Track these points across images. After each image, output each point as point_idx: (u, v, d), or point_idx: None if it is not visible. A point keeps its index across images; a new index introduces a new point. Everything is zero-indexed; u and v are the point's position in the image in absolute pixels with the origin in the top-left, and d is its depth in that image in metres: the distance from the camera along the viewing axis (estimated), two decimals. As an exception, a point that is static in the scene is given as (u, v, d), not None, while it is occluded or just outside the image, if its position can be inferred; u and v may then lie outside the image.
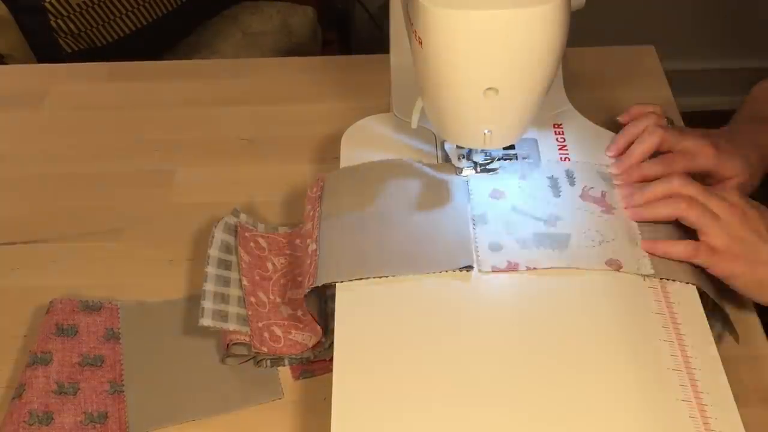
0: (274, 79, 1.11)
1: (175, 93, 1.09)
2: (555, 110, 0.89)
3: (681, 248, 0.72)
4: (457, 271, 0.72)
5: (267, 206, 0.91)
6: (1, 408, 0.73)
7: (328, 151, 0.94)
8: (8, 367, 0.77)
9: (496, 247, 0.73)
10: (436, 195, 0.79)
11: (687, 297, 0.70)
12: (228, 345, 0.74)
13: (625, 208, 0.77)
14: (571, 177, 0.80)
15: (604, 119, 0.89)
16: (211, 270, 0.79)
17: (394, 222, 0.76)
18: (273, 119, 1.04)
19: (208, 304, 0.75)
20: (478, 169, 0.81)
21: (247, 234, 0.82)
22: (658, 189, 0.76)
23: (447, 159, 0.83)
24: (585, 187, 0.79)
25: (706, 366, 0.65)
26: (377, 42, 1.07)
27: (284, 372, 0.75)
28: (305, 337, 0.74)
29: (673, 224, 0.75)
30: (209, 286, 0.77)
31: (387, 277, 0.72)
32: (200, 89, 1.09)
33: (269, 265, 0.81)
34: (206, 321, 0.74)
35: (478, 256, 0.73)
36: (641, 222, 0.75)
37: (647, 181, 0.78)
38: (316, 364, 0.75)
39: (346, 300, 0.71)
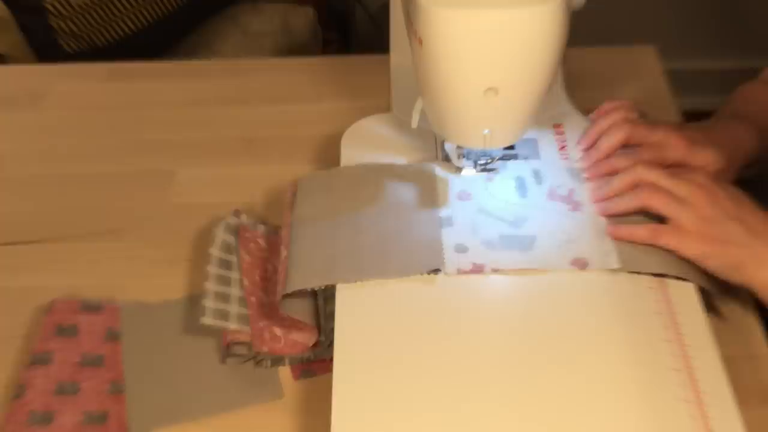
0: (274, 79, 1.11)
1: (174, 93, 1.09)
2: (555, 110, 0.89)
3: (644, 231, 0.72)
4: (426, 275, 0.72)
5: (267, 206, 0.91)
6: (1, 408, 0.73)
7: (328, 151, 0.94)
8: (8, 367, 0.77)
9: (461, 249, 0.73)
10: (406, 198, 0.79)
11: (687, 297, 0.70)
12: (228, 345, 0.74)
13: (593, 203, 0.77)
14: (538, 176, 0.80)
15: (604, 119, 0.89)
16: (212, 269, 0.79)
17: (363, 226, 0.76)
18: (273, 119, 1.04)
19: (209, 303, 0.75)
20: (478, 169, 0.81)
21: (247, 235, 0.82)
22: (621, 181, 0.75)
23: (447, 159, 0.83)
24: (552, 186, 0.79)
25: (706, 366, 0.65)
26: (377, 42, 1.07)
27: (284, 372, 0.75)
28: (305, 337, 0.74)
29: (643, 215, 0.74)
30: (210, 286, 0.77)
31: (356, 282, 0.72)
32: (200, 89, 1.09)
33: (269, 266, 0.81)
34: (208, 320, 0.74)
35: (443, 258, 0.73)
36: (611, 216, 0.75)
37: (615, 173, 0.77)
38: (316, 364, 0.75)
39: (346, 300, 0.71)
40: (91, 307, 0.80)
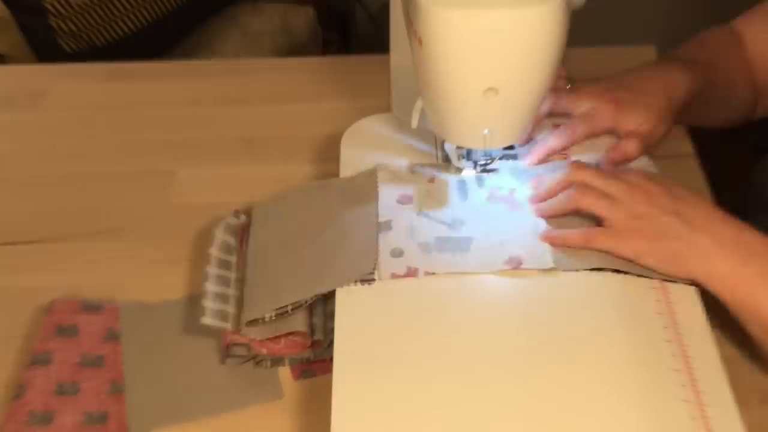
0: (274, 79, 1.11)
1: (174, 93, 1.09)
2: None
3: (577, 236, 0.72)
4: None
5: (267, 206, 0.91)
6: (1, 408, 0.73)
7: (328, 151, 0.94)
8: (8, 367, 0.77)
9: (398, 253, 0.73)
10: (348, 209, 0.79)
11: (687, 297, 0.70)
12: (228, 345, 0.73)
13: (530, 205, 0.77)
14: (480, 178, 0.81)
15: (604, 119, 0.89)
16: (212, 270, 0.79)
17: (307, 245, 0.77)
18: (273, 119, 1.04)
19: (209, 304, 0.75)
20: (478, 169, 0.81)
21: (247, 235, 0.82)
22: (555, 182, 0.75)
23: (447, 159, 0.83)
24: (493, 187, 0.79)
25: (706, 366, 0.65)
26: (377, 42, 1.07)
27: (284, 372, 0.75)
28: (304, 336, 0.74)
29: (579, 216, 0.74)
30: (210, 286, 0.77)
31: (303, 302, 0.72)
32: (200, 89, 1.09)
33: (269, 266, 0.81)
34: (207, 320, 0.74)
35: (376, 263, 0.72)
36: (547, 218, 0.75)
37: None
38: (316, 364, 0.75)
39: (346, 300, 0.71)
40: (91, 307, 0.80)
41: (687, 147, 0.93)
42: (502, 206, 0.77)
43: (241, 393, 0.73)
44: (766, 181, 0.96)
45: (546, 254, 0.72)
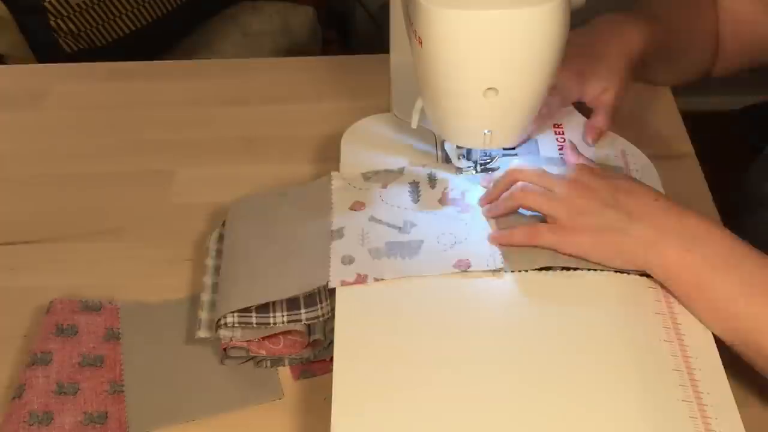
0: (274, 79, 1.11)
1: (175, 93, 1.09)
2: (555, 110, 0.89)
3: (520, 234, 0.72)
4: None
5: (267, 206, 0.91)
6: (1, 408, 0.73)
7: (328, 151, 0.94)
8: (8, 367, 0.77)
9: (348, 260, 0.73)
10: (303, 219, 0.80)
11: (687, 297, 0.70)
12: (225, 349, 0.73)
13: (480, 206, 0.77)
14: (432, 180, 0.81)
15: (604, 119, 0.89)
16: (207, 280, 0.79)
17: (265, 252, 0.77)
18: (273, 119, 1.04)
19: (204, 315, 0.76)
20: (479, 169, 0.81)
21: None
22: (498, 183, 0.76)
23: (447, 159, 0.83)
24: (445, 189, 0.79)
25: (706, 366, 0.65)
26: (377, 42, 1.07)
27: (284, 372, 0.75)
28: (303, 335, 0.74)
29: (530, 214, 0.74)
30: (206, 296, 0.77)
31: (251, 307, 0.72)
32: (200, 89, 1.09)
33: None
34: (203, 333, 0.74)
35: (330, 271, 0.72)
36: (495, 218, 0.75)
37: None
38: (316, 364, 0.75)
39: (346, 300, 0.71)
40: (91, 307, 0.80)
41: (687, 147, 0.93)
42: (453, 209, 0.77)
43: (241, 393, 0.73)
44: (760, 180, 0.96)
45: (495, 255, 0.72)
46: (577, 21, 0.75)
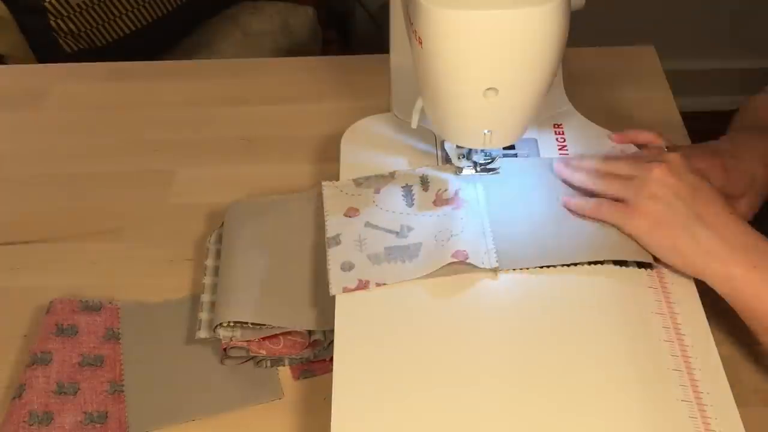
0: (274, 79, 1.11)
1: (175, 93, 1.09)
2: (555, 110, 0.89)
3: (589, 204, 0.73)
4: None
5: (267, 206, 0.91)
6: (1, 408, 0.73)
7: (328, 151, 0.94)
8: (8, 367, 0.77)
9: (348, 267, 0.73)
10: (298, 228, 0.81)
11: (687, 297, 0.70)
12: (225, 349, 0.73)
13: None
14: (425, 183, 0.80)
15: (604, 119, 0.89)
16: (206, 280, 0.79)
17: (257, 264, 0.77)
18: (273, 119, 1.04)
19: (204, 316, 0.76)
20: (478, 169, 0.81)
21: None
22: (582, 163, 0.77)
23: (447, 159, 0.83)
24: (439, 190, 0.79)
25: (706, 366, 0.65)
26: (377, 42, 1.07)
27: (284, 372, 0.75)
28: (303, 335, 0.74)
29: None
30: (206, 297, 0.77)
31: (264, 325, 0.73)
32: (200, 89, 1.09)
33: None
34: (203, 333, 0.74)
35: (330, 278, 0.72)
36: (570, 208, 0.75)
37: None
38: (316, 364, 0.75)
39: (346, 300, 0.71)
40: (91, 307, 0.80)
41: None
42: (448, 208, 0.77)
43: (241, 393, 0.73)
44: None
45: (491, 253, 0.72)
46: (578, 21, 0.75)
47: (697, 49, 2.12)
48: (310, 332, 0.74)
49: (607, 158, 0.77)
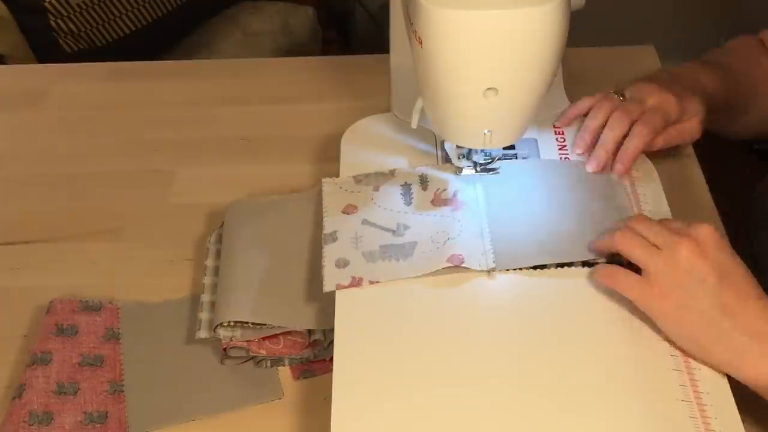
0: (274, 79, 1.11)
1: (175, 93, 1.09)
2: (555, 110, 0.89)
3: (601, 270, 0.69)
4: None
5: (267, 206, 0.91)
6: (1, 408, 0.73)
7: (328, 151, 0.94)
8: (8, 367, 0.77)
9: (342, 264, 0.73)
10: (297, 227, 0.81)
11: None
12: (225, 349, 0.73)
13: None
14: (424, 182, 0.80)
15: (604, 119, 0.89)
16: (207, 280, 0.79)
17: (257, 264, 0.78)
18: (273, 119, 1.04)
19: (204, 316, 0.76)
20: (478, 169, 0.81)
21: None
22: (614, 229, 0.70)
23: (447, 159, 0.83)
24: (437, 190, 0.79)
25: (706, 366, 0.65)
26: (377, 42, 1.07)
27: (284, 372, 0.75)
28: (303, 335, 0.74)
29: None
30: (206, 297, 0.77)
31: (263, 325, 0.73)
32: (200, 89, 1.09)
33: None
34: (203, 333, 0.74)
35: (324, 274, 0.72)
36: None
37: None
38: (316, 364, 0.75)
39: (346, 300, 0.71)
40: (91, 307, 0.80)
41: (687, 147, 0.93)
42: (446, 209, 0.77)
43: (241, 393, 0.73)
44: None
45: (488, 255, 0.72)
46: (578, 21, 0.75)
47: (697, 49, 2.11)
48: (310, 332, 0.74)
49: (639, 218, 0.71)
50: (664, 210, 0.78)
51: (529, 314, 0.69)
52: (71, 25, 1.44)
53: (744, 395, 0.63)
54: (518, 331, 0.68)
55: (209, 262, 0.81)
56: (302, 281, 0.76)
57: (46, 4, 1.41)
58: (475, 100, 0.71)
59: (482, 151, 0.80)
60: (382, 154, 0.86)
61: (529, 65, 0.70)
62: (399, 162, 0.85)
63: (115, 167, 0.98)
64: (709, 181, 0.91)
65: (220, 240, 0.83)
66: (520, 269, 0.71)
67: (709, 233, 0.66)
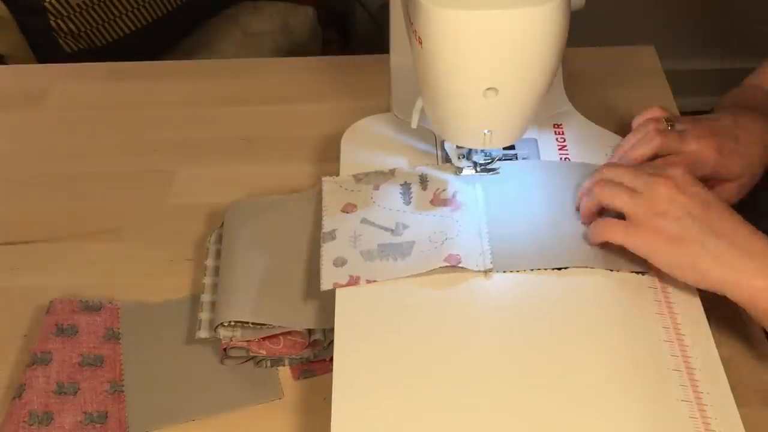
0: (274, 79, 1.11)
1: (175, 93, 1.09)
2: (555, 110, 0.89)
3: (595, 228, 0.71)
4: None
5: (267, 206, 0.91)
6: (1, 408, 0.73)
7: (328, 151, 0.95)
8: (8, 367, 0.77)
9: (340, 262, 0.73)
10: (297, 227, 0.80)
11: (687, 297, 0.70)
12: (225, 349, 0.73)
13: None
14: (424, 182, 0.80)
15: (603, 119, 0.89)
16: (207, 280, 0.79)
17: (257, 264, 0.78)
18: (273, 119, 1.04)
19: (205, 315, 0.76)
20: (478, 169, 0.81)
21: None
22: (588, 181, 0.74)
23: (447, 159, 0.83)
24: (437, 190, 0.79)
25: (706, 366, 0.65)
26: (377, 42, 1.07)
27: (284, 372, 0.75)
28: (303, 335, 0.74)
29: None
30: (206, 297, 0.77)
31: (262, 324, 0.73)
32: (200, 89, 1.09)
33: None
34: (203, 333, 0.74)
35: (322, 273, 0.72)
36: (586, 219, 0.73)
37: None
38: (316, 364, 0.75)
39: (346, 300, 0.71)
40: (91, 307, 0.80)
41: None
42: (445, 209, 0.77)
43: (241, 393, 0.73)
44: None
45: (486, 255, 0.72)
46: (578, 21, 0.75)
47: (697, 49, 2.12)
48: (310, 332, 0.74)
49: (608, 165, 0.74)
50: None
51: (530, 314, 0.69)
52: (71, 25, 1.44)
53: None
54: (519, 330, 0.68)
55: (209, 262, 0.81)
56: (302, 281, 0.76)
57: (46, 4, 1.41)
58: (475, 100, 0.71)
59: (482, 151, 0.80)
60: (382, 154, 0.86)
61: (529, 65, 0.70)
62: (399, 162, 0.85)
63: (115, 167, 0.98)
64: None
65: (220, 240, 0.83)
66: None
67: (683, 172, 0.69)
